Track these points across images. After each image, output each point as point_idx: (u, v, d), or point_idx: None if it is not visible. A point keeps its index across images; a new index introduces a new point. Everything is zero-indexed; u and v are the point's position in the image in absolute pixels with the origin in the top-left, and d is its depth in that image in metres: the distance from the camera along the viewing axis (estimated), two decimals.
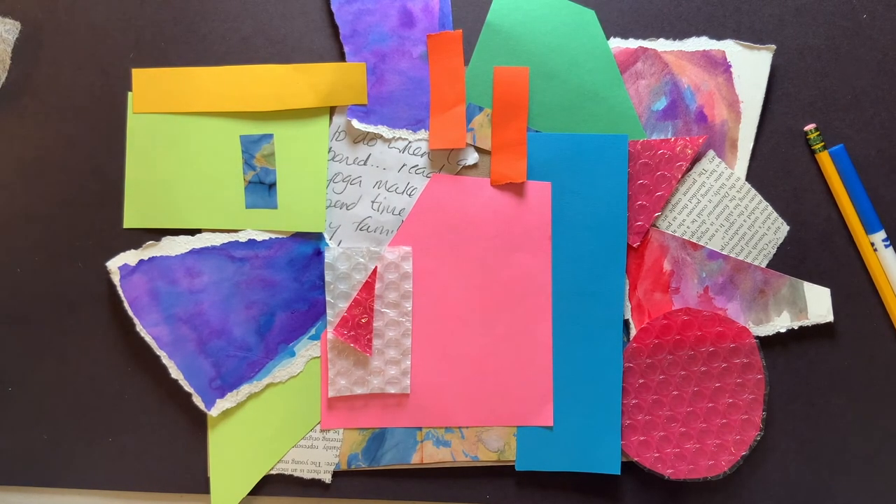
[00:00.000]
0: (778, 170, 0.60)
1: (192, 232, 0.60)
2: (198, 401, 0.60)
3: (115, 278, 0.59)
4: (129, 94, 0.60)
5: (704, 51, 0.59)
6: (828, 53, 0.60)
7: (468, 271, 0.60)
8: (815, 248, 0.60)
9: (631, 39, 0.60)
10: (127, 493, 0.63)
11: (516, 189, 0.59)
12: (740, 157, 0.59)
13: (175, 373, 0.60)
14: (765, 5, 0.59)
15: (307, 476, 0.61)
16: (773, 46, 0.59)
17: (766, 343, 0.60)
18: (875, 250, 0.60)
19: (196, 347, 0.60)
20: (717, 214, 0.60)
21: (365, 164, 0.60)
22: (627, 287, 0.60)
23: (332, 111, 0.60)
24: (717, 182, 0.59)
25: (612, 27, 0.60)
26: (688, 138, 0.59)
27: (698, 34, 0.59)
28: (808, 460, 0.61)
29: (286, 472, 0.61)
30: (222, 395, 0.60)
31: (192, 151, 0.60)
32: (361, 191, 0.60)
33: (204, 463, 0.62)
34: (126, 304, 0.59)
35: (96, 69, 0.61)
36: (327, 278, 0.60)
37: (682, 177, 0.59)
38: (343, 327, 0.59)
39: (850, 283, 0.60)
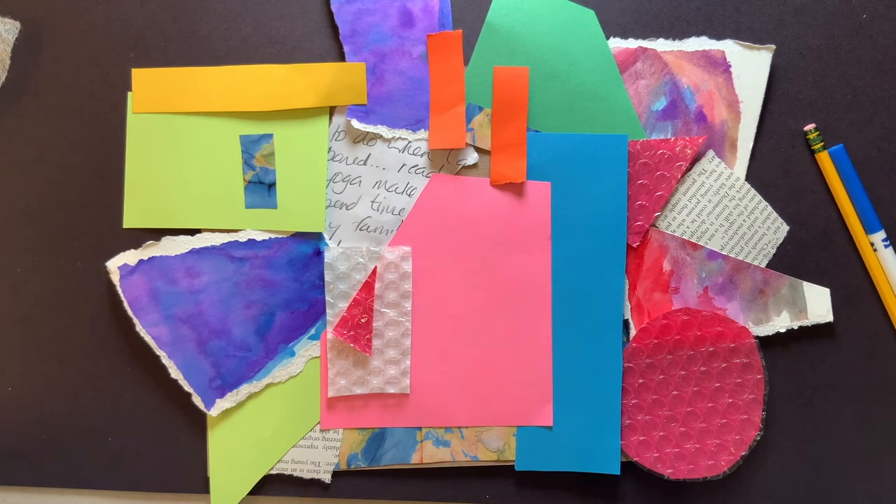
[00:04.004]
0: (778, 170, 0.60)
1: (191, 232, 0.60)
2: (197, 401, 0.60)
3: (115, 278, 0.59)
4: (129, 94, 0.60)
5: (704, 51, 0.59)
6: (828, 53, 0.60)
7: (468, 271, 0.60)
8: (814, 248, 0.60)
9: (631, 39, 0.60)
10: (127, 493, 0.63)
11: (516, 189, 0.59)
12: (740, 157, 0.59)
13: (175, 373, 0.60)
14: (765, 5, 0.59)
15: (307, 476, 0.61)
16: (773, 46, 0.59)
17: (766, 343, 0.60)
18: (875, 250, 0.60)
19: (196, 347, 0.60)
20: (717, 214, 0.60)
21: (365, 164, 0.60)
22: (627, 287, 0.60)
23: (331, 111, 0.60)
24: (716, 182, 0.59)
25: (612, 27, 0.60)
26: (687, 138, 0.59)
27: (698, 34, 0.59)
28: (807, 460, 0.61)
29: (286, 472, 0.61)
30: (222, 395, 0.60)
31: (192, 151, 0.60)
32: (361, 191, 0.60)
33: (204, 463, 0.62)
34: (126, 304, 0.59)
35: (96, 69, 0.61)
36: (327, 278, 0.60)
37: (682, 177, 0.59)
38: (343, 327, 0.59)
39: (850, 283, 0.60)
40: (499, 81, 0.59)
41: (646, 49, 0.59)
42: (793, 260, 0.60)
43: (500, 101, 0.59)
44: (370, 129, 0.60)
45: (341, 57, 0.60)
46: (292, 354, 0.61)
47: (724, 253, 0.60)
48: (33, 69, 0.61)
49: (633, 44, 0.59)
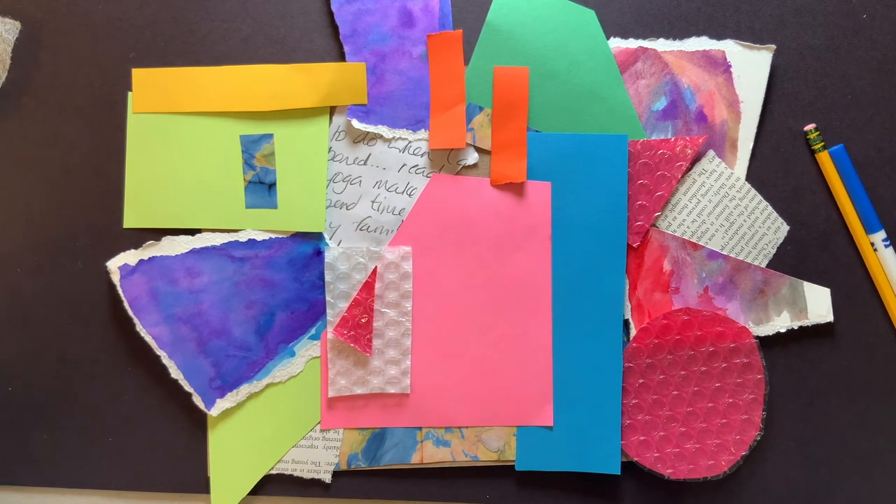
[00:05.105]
0: (778, 170, 0.60)
1: (192, 232, 0.60)
2: (198, 401, 0.60)
3: (115, 278, 0.59)
4: (129, 94, 0.60)
5: (704, 51, 0.59)
6: (828, 53, 0.60)
7: (468, 271, 0.60)
8: (815, 248, 0.60)
9: (631, 39, 0.60)
10: (127, 493, 0.63)
11: (516, 189, 0.59)
12: (740, 157, 0.59)
13: (175, 373, 0.60)
14: (765, 5, 0.59)
15: (307, 476, 0.61)
16: (773, 46, 0.59)
17: (766, 343, 0.60)
18: (875, 250, 0.60)
19: (196, 347, 0.60)
20: (717, 214, 0.60)
21: (365, 164, 0.60)
22: (627, 287, 0.60)
23: (332, 111, 0.60)
24: (717, 182, 0.59)
25: (612, 27, 0.60)
26: (688, 138, 0.59)
27: (698, 34, 0.59)
28: (808, 460, 0.61)
29: (286, 472, 0.61)
30: (222, 395, 0.60)
31: (192, 151, 0.60)
32: (361, 191, 0.60)
33: (204, 463, 0.62)
34: (126, 304, 0.59)
35: (96, 69, 0.61)
36: (327, 278, 0.60)
37: (682, 177, 0.59)
38: (343, 327, 0.59)
39: (850, 283, 0.60)
40: (499, 81, 0.59)
41: (646, 49, 0.59)
42: (793, 260, 0.60)
43: (500, 101, 0.59)
44: (370, 129, 0.60)
45: (341, 57, 0.60)
46: (292, 354, 0.61)
47: (724, 253, 0.60)
48: (33, 69, 0.61)
49: (633, 44, 0.59)
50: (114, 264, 0.60)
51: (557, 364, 0.60)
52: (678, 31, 0.60)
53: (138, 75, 0.60)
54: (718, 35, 0.59)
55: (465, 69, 0.59)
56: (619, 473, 0.60)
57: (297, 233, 0.60)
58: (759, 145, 0.60)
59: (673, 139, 0.59)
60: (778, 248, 0.60)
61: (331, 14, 0.60)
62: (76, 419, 0.62)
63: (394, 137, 0.60)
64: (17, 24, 0.61)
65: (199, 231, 0.60)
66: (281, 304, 0.60)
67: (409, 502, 0.62)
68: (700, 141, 0.59)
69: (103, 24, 0.61)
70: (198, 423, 0.62)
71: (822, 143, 0.59)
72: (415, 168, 0.60)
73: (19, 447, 0.62)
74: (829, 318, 0.59)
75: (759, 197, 0.60)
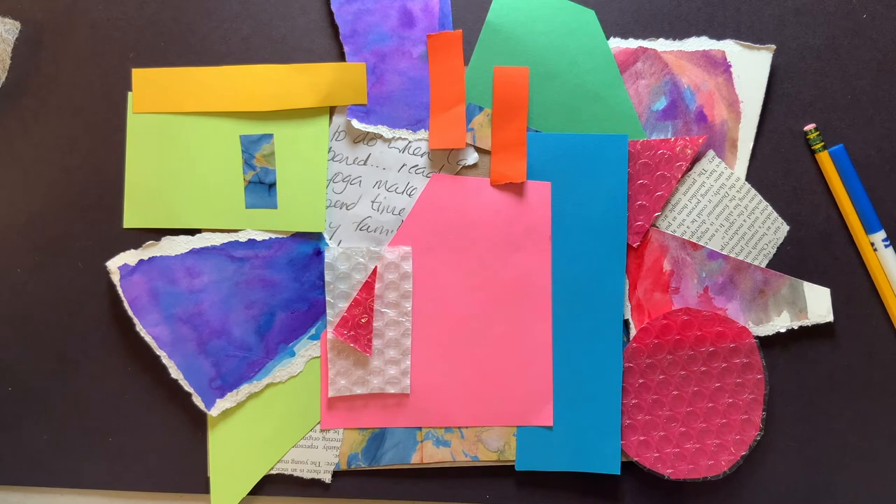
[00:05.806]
0: (778, 170, 0.60)
1: (191, 232, 0.60)
2: (198, 401, 0.60)
3: (115, 278, 0.59)
4: (129, 94, 0.60)
5: (704, 51, 0.59)
6: (828, 53, 0.60)
7: (468, 271, 0.60)
8: (815, 248, 0.60)
9: (631, 39, 0.60)
10: (127, 493, 0.63)
11: (516, 189, 0.59)
12: (740, 157, 0.59)
13: (175, 373, 0.60)
14: (765, 5, 0.60)
15: (307, 476, 0.61)
16: (773, 46, 0.59)
17: (766, 343, 0.60)
18: (875, 250, 0.60)
19: (196, 347, 0.60)
20: (717, 214, 0.60)
21: (365, 164, 0.60)
22: (627, 287, 0.60)
23: (332, 111, 0.60)
24: (717, 182, 0.59)
25: (612, 27, 0.60)
26: (688, 138, 0.59)
27: (698, 34, 0.59)
28: (808, 460, 0.61)
29: (286, 472, 0.61)
30: (222, 395, 0.60)
31: (192, 151, 0.60)
32: (361, 191, 0.60)
33: (204, 463, 0.62)
34: (126, 304, 0.59)
35: (96, 69, 0.61)
36: (327, 278, 0.60)
37: (682, 177, 0.59)
38: (343, 327, 0.59)
39: (850, 283, 0.60)
40: (499, 81, 0.59)
41: (646, 49, 0.59)
42: (793, 260, 0.60)
43: (500, 101, 0.59)
44: (370, 129, 0.60)
45: (341, 57, 0.60)
46: (292, 354, 0.61)
47: (724, 253, 0.60)
48: (33, 69, 0.61)
49: (633, 44, 0.59)
50: (114, 264, 0.60)
51: (557, 364, 0.60)
52: (678, 31, 0.60)
53: (138, 75, 0.60)
54: (718, 35, 0.59)
55: (465, 69, 0.59)
56: (619, 473, 0.60)
57: (297, 233, 0.60)
58: (759, 145, 0.60)
59: (673, 139, 0.59)
60: (778, 248, 0.60)
61: (331, 14, 0.60)
62: (76, 419, 0.62)
63: (394, 137, 0.60)
64: (17, 24, 0.61)
65: (199, 231, 0.60)
66: (281, 304, 0.60)
67: (409, 502, 0.62)
68: (700, 141, 0.59)
69: (103, 24, 0.61)
70: (198, 423, 0.62)
71: (822, 143, 0.59)
72: (415, 168, 0.60)
73: (19, 447, 0.62)
74: (829, 318, 0.59)
75: (759, 197, 0.60)
